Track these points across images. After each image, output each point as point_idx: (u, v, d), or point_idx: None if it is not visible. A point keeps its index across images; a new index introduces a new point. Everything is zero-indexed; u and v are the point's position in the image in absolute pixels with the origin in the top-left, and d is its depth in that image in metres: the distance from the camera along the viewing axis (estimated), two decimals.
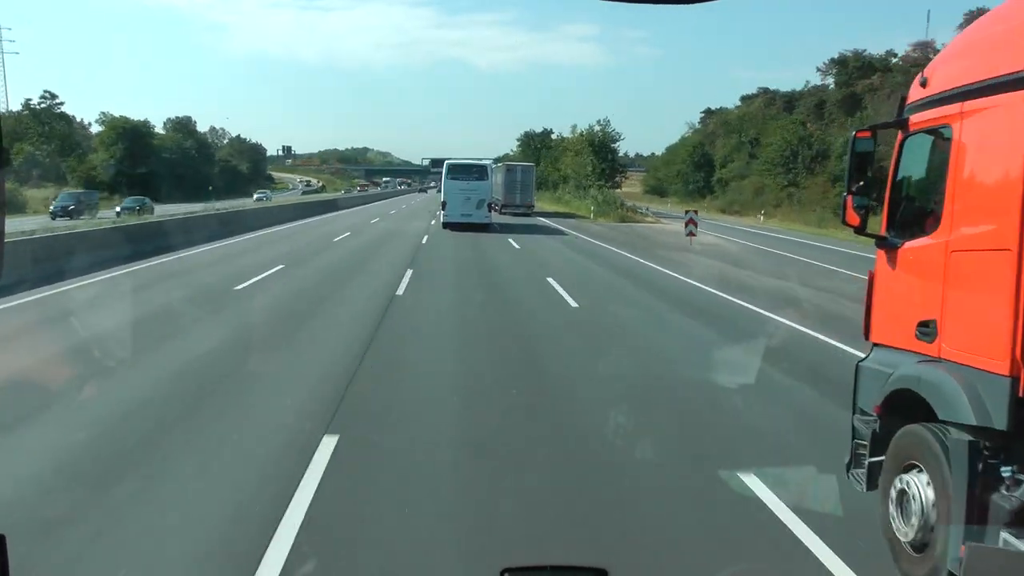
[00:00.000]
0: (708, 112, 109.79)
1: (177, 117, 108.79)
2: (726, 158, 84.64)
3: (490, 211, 32.19)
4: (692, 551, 4.35)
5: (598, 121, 54.73)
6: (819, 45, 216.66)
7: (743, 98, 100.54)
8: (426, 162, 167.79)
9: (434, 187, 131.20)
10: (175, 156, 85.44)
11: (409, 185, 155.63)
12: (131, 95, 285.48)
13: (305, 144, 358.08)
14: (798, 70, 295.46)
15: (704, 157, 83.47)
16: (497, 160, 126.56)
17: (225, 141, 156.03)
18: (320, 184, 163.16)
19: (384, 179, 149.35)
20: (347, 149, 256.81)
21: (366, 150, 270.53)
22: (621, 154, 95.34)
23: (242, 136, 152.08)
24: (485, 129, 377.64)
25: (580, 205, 53.42)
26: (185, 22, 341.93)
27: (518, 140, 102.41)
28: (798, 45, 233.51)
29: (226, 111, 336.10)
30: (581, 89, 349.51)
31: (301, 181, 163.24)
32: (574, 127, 63.31)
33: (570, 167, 60.99)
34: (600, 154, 54.99)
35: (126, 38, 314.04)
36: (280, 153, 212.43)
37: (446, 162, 33.67)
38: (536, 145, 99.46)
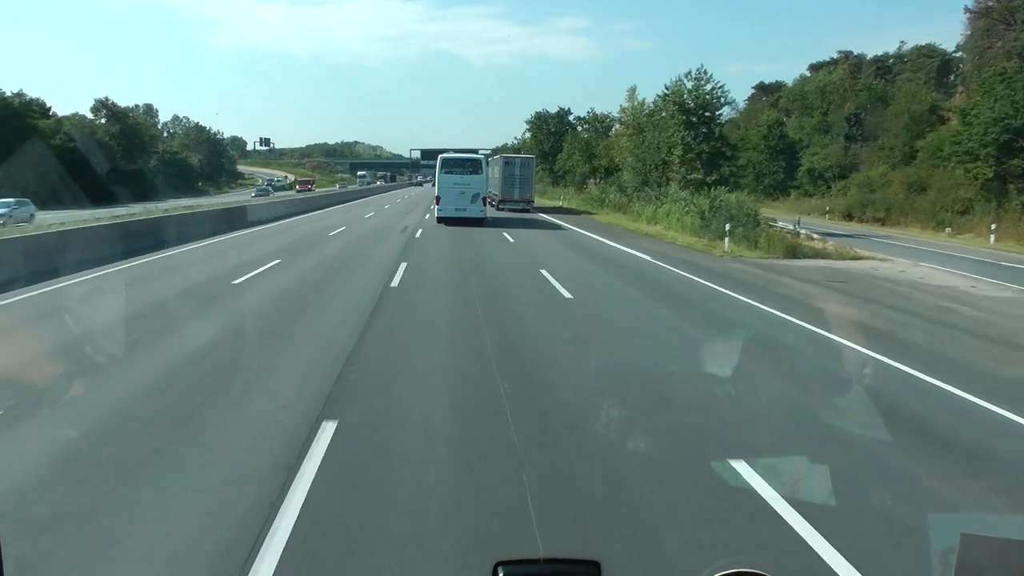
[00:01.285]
0: (761, 88, 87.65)
1: (105, 99, 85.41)
2: (799, 143, 62.76)
3: (485, 205, 30.35)
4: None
5: (687, 74, 32.58)
6: (821, 36, 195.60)
7: (813, 67, 78.36)
8: (416, 154, 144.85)
9: (428, 181, 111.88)
10: (79, 146, 62.65)
11: (393, 179, 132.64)
12: (117, 90, 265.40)
13: (295, 138, 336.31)
14: (794, 61, 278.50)
15: (783, 141, 61.30)
16: (495, 151, 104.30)
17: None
18: (292, 180, 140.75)
19: (360, 173, 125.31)
20: (337, 143, 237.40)
21: (355, 143, 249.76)
22: None
23: (202, 124, 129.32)
24: (480, 122, 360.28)
25: (653, 215, 31.27)
26: (174, 18, 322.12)
27: (528, 123, 79.95)
28: (791, 37, 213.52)
29: (216, 106, 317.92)
30: (575, 82, 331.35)
31: (278, 177, 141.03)
32: (632, 90, 40.67)
33: (629, 153, 38.59)
34: (695, 128, 32.64)
35: (113, 33, 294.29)
36: (258, 146, 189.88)
37: (440, 156, 31.18)
38: (551, 128, 77.09)
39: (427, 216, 34.53)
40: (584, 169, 56.76)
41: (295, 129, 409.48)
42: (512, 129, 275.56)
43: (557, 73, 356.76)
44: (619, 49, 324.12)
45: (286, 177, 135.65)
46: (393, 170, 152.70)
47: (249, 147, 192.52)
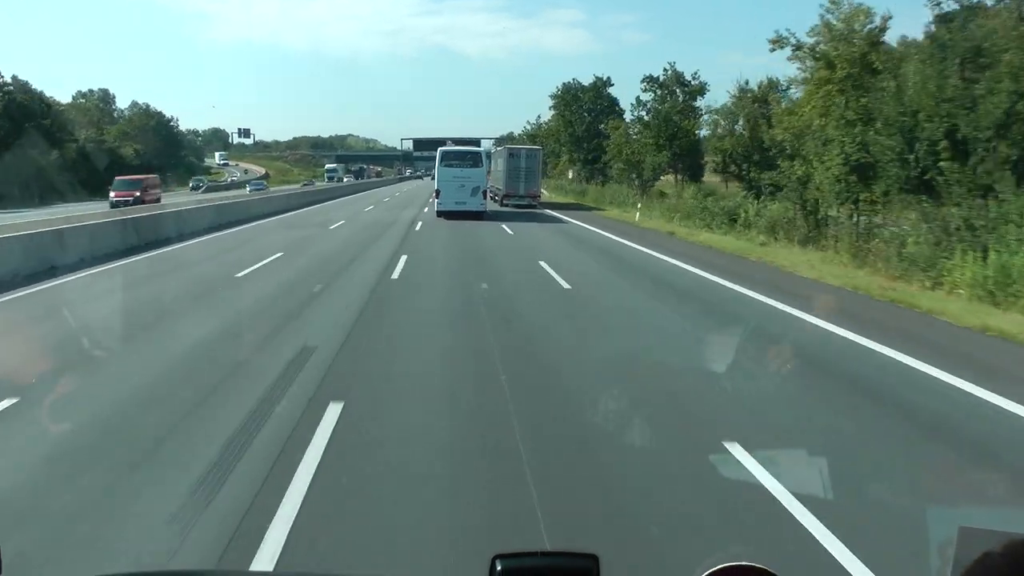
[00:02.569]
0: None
1: None
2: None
3: (485, 199, 28.94)
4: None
5: None
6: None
7: (941, 18, 57.20)
8: (408, 145, 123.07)
9: (428, 174, 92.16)
10: None
11: (378, 175, 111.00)
12: (116, 86, 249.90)
13: (289, 132, 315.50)
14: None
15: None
16: (500, 140, 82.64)
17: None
18: (264, 173, 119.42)
19: (328, 166, 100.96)
20: (331, 136, 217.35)
21: (346, 136, 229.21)
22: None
23: (154, 110, 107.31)
24: (477, 115, 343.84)
25: None
26: (166, 12, 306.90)
27: (553, 98, 58.49)
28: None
29: (211, 100, 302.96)
30: (575, 75, 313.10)
31: (237, 174, 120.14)
32: (838, 2, 18.82)
33: (840, 114, 17.27)
34: None
35: (107, 29, 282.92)
36: (238, 138, 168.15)
37: (439, 149, 30.13)
38: (586, 105, 55.96)
39: (398, 268, 13.85)
40: (660, 158, 35.45)
41: (290, 123, 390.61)
42: (511, 122, 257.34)
43: (555, 66, 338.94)
44: (617, 42, 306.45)
45: (245, 171, 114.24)
46: (382, 163, 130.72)
47: (233, 140, 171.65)
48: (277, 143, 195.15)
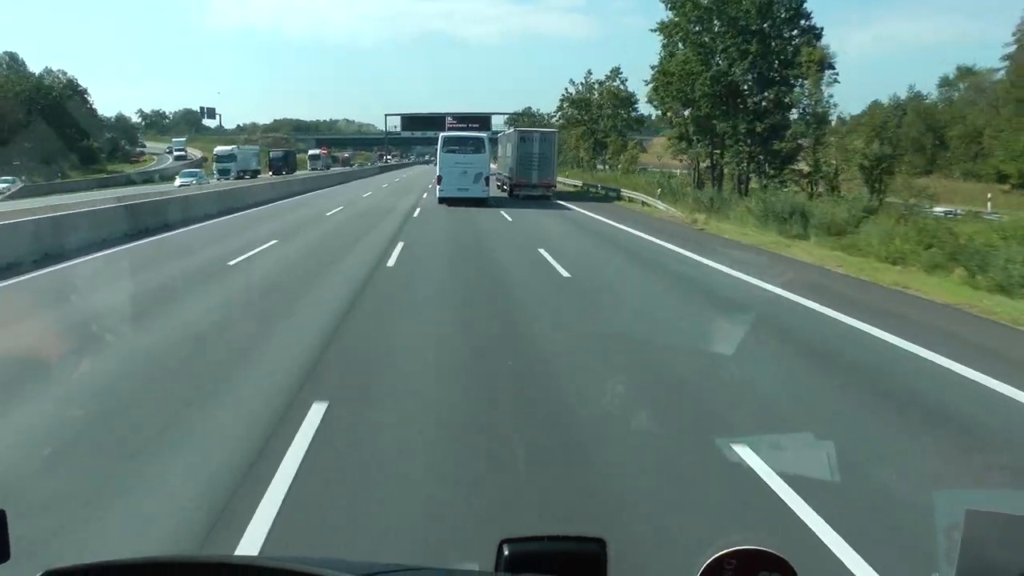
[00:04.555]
0: None
1: None
2: None
3: (488, 185, 28.02)
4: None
5: None
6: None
7: None
8: (394, 123, 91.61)
9: (428, 161, 77.35)
10: None
11: (345, 162, 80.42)
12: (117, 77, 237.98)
13: (279, 115, 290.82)
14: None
15: None
16: (514, 118, 69.92)
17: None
18: (200, 159, 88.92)
19: (218, 150, 61.67)
20: (320, 120, 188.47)
21: (335, 121, 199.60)
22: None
23: (33, 71, 75.73)
24: (478, 100, 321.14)
25: None
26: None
27: (668, 4, 27.67)
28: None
29: (214, 86, 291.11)
30: (576, 61, 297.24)
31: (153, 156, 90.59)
32: None
33: None
34: None
35: (108, 15, 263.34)
36: (207, 119, 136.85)
37: (441, 135, 30.07)
38: (751, 24, 25.41)
39: None
40: None
41: (290, 108, 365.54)
42: (509, 108, 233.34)
43: (557, 51, 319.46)
44: (619, 27, 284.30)
45: (151, 156, 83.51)
46: (362, 146, 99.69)
47: (208, 121, 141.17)
48: (255, 126, 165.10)
